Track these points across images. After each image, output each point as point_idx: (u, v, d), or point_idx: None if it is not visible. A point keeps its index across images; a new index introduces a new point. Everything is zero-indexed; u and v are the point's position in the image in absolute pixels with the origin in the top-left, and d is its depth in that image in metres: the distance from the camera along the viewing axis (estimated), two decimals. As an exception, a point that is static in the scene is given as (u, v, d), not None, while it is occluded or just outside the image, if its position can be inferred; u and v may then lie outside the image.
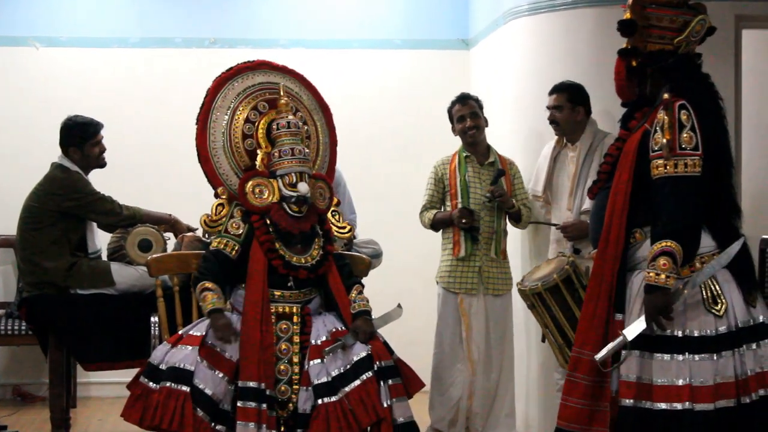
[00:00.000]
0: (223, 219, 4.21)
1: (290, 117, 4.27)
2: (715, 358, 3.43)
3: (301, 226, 4.16)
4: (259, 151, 4.28)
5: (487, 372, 5.23)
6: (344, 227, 4.43)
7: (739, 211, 3.62)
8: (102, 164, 5.26)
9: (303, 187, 4.15)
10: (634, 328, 3.44)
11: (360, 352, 4.02)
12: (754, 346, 3.48)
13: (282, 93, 4.33)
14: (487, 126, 5.36)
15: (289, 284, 4.15)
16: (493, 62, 6.30)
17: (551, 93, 5.10)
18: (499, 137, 5.49)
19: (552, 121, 5.10)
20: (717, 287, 3.48)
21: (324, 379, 3.97)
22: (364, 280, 4.47)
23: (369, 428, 3.96)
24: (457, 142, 5.53)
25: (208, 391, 3.88)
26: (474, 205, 5.20)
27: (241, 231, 4.17)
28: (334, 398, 3.93)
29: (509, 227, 5.35)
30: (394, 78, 7.04)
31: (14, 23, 6.81)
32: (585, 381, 3.54)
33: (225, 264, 4.15)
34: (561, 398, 3.64)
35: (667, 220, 3.41)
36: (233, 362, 3.97)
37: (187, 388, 3.87)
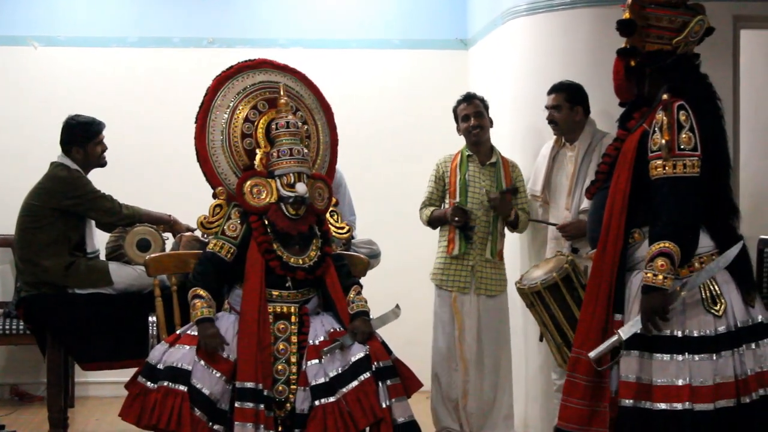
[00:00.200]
0: (220, 220, 4.21)
1: (290, 117, 4.27)
2: (714, 358, 3.43)
3: (298, 227, 4.16)
4: (258, 151, 4.27)
5: (481, 372, 5.24)
6: (342, 227, 4.43)
7: (737, 212, 3.62)
8: (103, 163, 5.28)
9: (301, 188, 4.14)
10: (630, 327, 3.44)
11: (358, 352, 4.02)
12: (753, 345, 3.48)
13: (282, 92, 4.32)
14: (491, 126, 5.36)
15: (287, 284, 4.15)
16: (492, 62, 6.30)
17: (550, 93, 5.10)
18: (498, 137, 5.49)
19: (550, 120, 5.10)
20: (716, 287, 3.48)
21: (322, 380, 3.97)
22: (362, 281, 4.47)
23: (368, 429, 3.95)
24: (456, 142, 5.54)
25: (206, 391, 3.88)
26: (472, 204, 5.20)
27: (237, 233, 4.17)
28: (331, 399, 3.93)
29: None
30: (393, 78, 7.04)
31: (13, 23, 6.81)
32: (584, 381, 3.54)
33: (220, 267, 4.15)
34: (561, 398, 3.64)
35: (666, 220, 3.42)
36: (231, 362, 3.97)
37: (185, 388, 3.87)
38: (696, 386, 3.39)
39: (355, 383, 3.95)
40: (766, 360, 3.47)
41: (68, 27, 6.86)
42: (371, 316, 4.23)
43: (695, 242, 3.46)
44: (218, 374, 3.92)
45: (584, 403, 3.53)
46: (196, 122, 4.29)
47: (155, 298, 4.41)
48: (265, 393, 3.93)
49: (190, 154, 4.33)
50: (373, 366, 4.00)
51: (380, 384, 3.99)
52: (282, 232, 4.14)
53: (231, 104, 4.30)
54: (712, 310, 3.46)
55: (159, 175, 6.67)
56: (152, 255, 4.55)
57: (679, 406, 3.39)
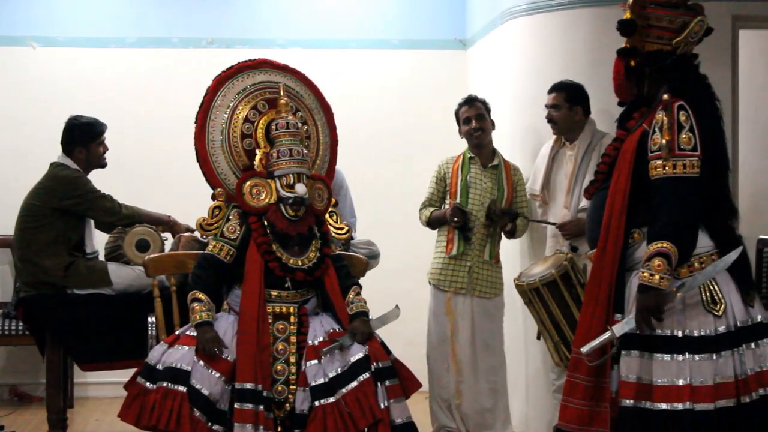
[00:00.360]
0: (220, 222, 4.20)
1: (290, 117, 4.26)
2: (714, 358, 3.43)
3: (298, 228, 4.16)
4: (257, 151, 4.27)
5: (475, 374, 5.24)
6: (342, 228, 4.43)
7: (736, 212, 3.63)
8: (103, 164, 5.29)
9: (300, 189, 4.14)
10: (623, 325, 3.45)
11: (357, 353, 4.01)
12: (753, 345, 3.48)
13: (282, 93, 4.32)
14: (493, 129, 5.36)
15: (286, 285, 4.15)
16: (491, 62, 6.30)
17: (550, 92, 5.11)
18: (497, 137, 5.49)
19: (549, 119, 5.11)
20: (716, 287, 3.48)
21: (321, 380, 3.97)
22: (362, 281, 4.47)
23: (366, 429, 3.95)
24: (455, 143, 5.54)
25: (205, 392, 3.88)
26: (472, 205, 5.21)
27: (236, 235, 4.16)
28: (331, 399, 3.93)
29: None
30: (392, 78, 7.04)
31: (12, 23, 6.81)
32: (585, 381, 3.54)
33: (219, 269, 4.15)
34: (561, 399, 3.64)
35: (666, 220, 3.42)
36: (230, 362, 3.97)
37: (184, 388, 3.87)
38: (696, 386, 3.40)
39: (354, 384, 3.94)
40: (765, 360, 3.48)
41: (67, 27, 6.86)
42: (371, 317, 4.22)
43: (694, 242, 3.46)
44: (217, 375, 3.92)
45: (585, 404, 3.53)
46: (195, 122, 4.28)
47: (154, 298, 4.41)
48: (265, 394, 3.93)
49: (190, 155, 4.33)
50: (373, 366, 3.99)
51: (379, 385, 3.98)
52: (281, 233, 4.14)
53: (231, 104, 4.29)
54: (713, 310, 3.46)
55: (158, 176, 6.67)
56: (151, 255, 4.55)
57: (679, 406, 3.39)
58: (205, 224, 4.22)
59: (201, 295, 4.07)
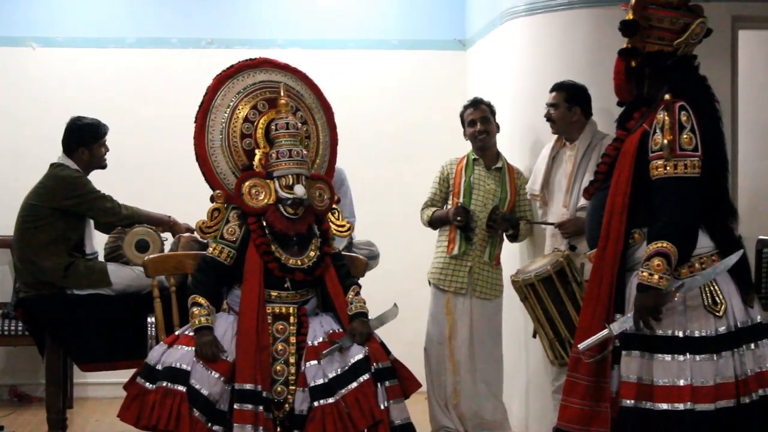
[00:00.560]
0: (219, 224, 4.20)
1: (289, 118, 4.25)
2: (715, 358, 3.43)
3: (297, 228, 4.15)
4: (257, 151, 4.26)
5: (473, 375, 5.24)
6: (343, 225, 4.41)
7: (735, 213, 3.63)
8: (103, 165, 5.29)
9: (299, 190, 4.13)
10: (621, 323, 3.45)
11: (357, 353, 4.01)
12: (752, 346, 3.48)
13: (282, 93, 4.31)
14: (498, 131, 5.37)
15: (285, 285, 4.14)
16: (490, 63, 6.30)
17: (551, 90, 5.11)
18: (497, 137, 5.49)
19: (548, 118, 5.11)
20: (717, 288, 3.48)
21: (321, 381, 3.97)
22: (362, 281, 4.47)
23: (366, 430, 3.95)
24: (455, 143, 5.54)
25: (204, 392, 3.88)
26: (475, 206, 5.21)
27: (236, 236, 4.16)
28: (330, 400, 3.92)
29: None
30: (391, 78, 7.05)
31: (11, 23, 6.81)
32: (585, 381, 3.54)
33: (220, 272, 4.15)
34: (561, 399, 3.64)
35: (667, 220, 3.41)
36: (230, 363, 3.97)
37: (184, 388, 3.87)
38: (697, 386, 3.39)
39: (354, 384, 3.94)
40: (765, 360, 3.47)
41: (67, 28, 6.86)
42: (370, 317, 4.22)
43: (693, 243, 3.46)
44: (217, 375, 3.92)
45: (584, 403, 3.53)
46: (195, 122, 4.28)
47: (154, 298, 4.41)
48: (264, 394, 3.93)
49: (190, 155, 4.32)
50: (372, 367, 3.99)
51: (379, 385, 3.98)
52: (280, 233, 4.13)
53: (231, 104, 4.29)
54: (713, 311, 3.46)
55: (158, 176, 6.68)
56: (151, 256, 4.55)
57: (680, 406, 3.38)
58: (205, 227, 4.21)
59: (201, 300, 4.06)
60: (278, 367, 4.04)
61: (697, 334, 3.45)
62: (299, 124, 4.27)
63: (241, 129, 4.28)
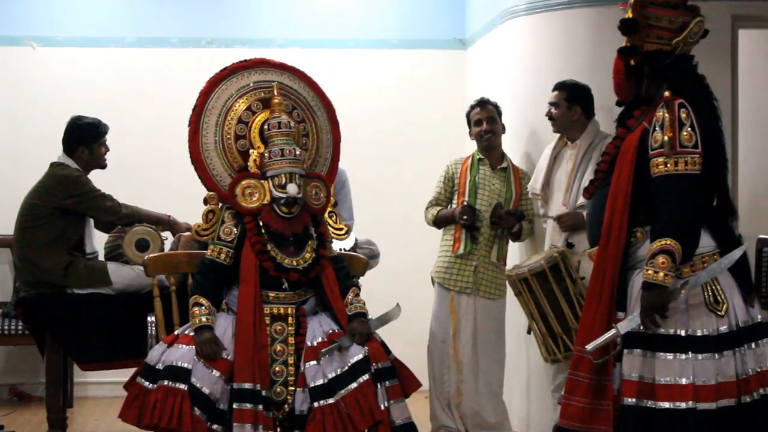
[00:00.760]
0: (215, 226, 4.20)
1: (283, 117, 4.24)
2: (716, 357, 3.43)
3: (293, 228, 4.15)
4: (251, 152, 4.26)
5: (476, 374, 5.24)
6: (341, 228, 4.40)
7: (735, 212, 3.63)
8: (103, 165, 5.30)
9: (292, 189, 4.13)
10: (628, 322, 3.45)
11: (357, 354, 4.00)
12: (753, 345, 3.48)
13: (276, 92, 4.31)
14: (504, 132, 5.37)
15: (283, 286, 4.14)
16: (490, 62, 6.30)
17: (553, 89, 5.12)
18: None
19: (549, 116, 5.12)
20: (718, 287, 3.48)
21: (320, 381, 3.96)
22: (362, 281, 4.46)
23: (367, 430, 3.94)
24: (455, 142, 5.55)
25: (206, 390, 3.88)
26: (480, 206, 5.22)
27: (233, 236, 4.16)
28: (330, 400, 3.92)
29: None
30: (391, 78, 7.04)
31: (11, 23, 6.81)
32: (586, 379, 3.54)
33: (220, 272, 4.15)
34: (563, 397, 3.64)
35: (668, 218, 3.41)
36: (230, 362, 3.96)
37: (185, 386, 3.87)
38: (699, 385, 3.39)
39: (354, 385, 3.94)
40: (766, 359, 3.48)
41: (66, 27, 6.86)
42: (371, 317, 4.21)
43: (696, 240, 3.46)
44: (217, 374, 3.91)
45: (586, 401, 3.52)
46: (188, 125, 4.27)
47: (154, 298, 4.41)
48: (264, 393, 3.93)
49: (188, 155, 4.32)
50: (372, 367, 3.99)
51: (379, 385, 3.98)
52: (276, 232, 4.13)
53: (224, 106, 4.28)
54: (715, 310, 3.46)
55: (158, 175, 6.67)
56: (151, 255, 4.55)
57: (683, 405, 3.38)
58: (201, 229, 4.22)
59: (202, 300, 4.07)
60: (277, 368, 4.04)
61: (699, 333, 3.45)
62: (293, 123, 4.26)
63: (235, 130, 4.28)
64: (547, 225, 5.18)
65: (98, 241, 5.30)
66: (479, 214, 5.19)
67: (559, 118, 5.07)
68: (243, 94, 4.32)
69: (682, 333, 3.45)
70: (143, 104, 6.80)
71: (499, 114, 5.38)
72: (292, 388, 4.01)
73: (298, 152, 4.20)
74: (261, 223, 4.14)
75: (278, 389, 4.01)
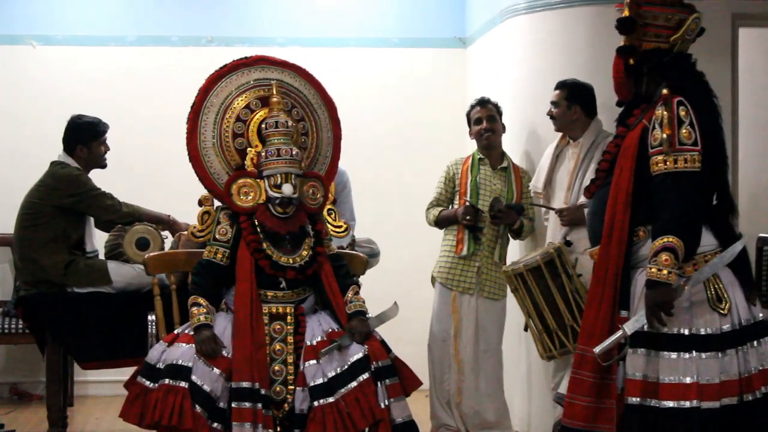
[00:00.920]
0: (210, 226, 4.20)
1: (280, 116, 4.23)
2: (720, 356, 3.43)
3: (288, 227, 4.14)
4: (249, 151, 4.26)
5: (476, 374, 5.24)
6: (340, 226, 4.39)
7: (735, 210, 3.63)
8: (103, 165, 5.30)
9: (287, 189, 4.12)
10: (634, 322, 3.44)
11: (356, 352, 3.99)
12: (755, 344, 3.48)
13: (274, 91, 4.30)
14: (504, 132, 5.37)
15: (281, 285, 4.14)
16: (490, 61, 6.30)
17: (555, 88, 5.12)
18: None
19: (550, 116, 5.12)
20: (721, 285, 3.49)
21: (320, 380, 3.95)
22: (362, 280, 4.46)
23: (367, 429, 3.94)
24: (455, 141, 5.54)
25: (207, 388, 3.87)
26: (482, 206, 5.21)
27: (228, 236, 4.16)
28: (330, 399, 3.91)
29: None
30: (391, 77, 7.04)
31: (11, 22, 6.81)
32: (590, 379, 3.54)
33: (217, 272, 4.14)
34: (566, 396, 3.64)
35: (669, 216, 3.41)
36: (230, 360, 3.95)
37: (186, 384, 3.86)
38: (703, 384, 3.40)
39: (354, 384, 3.93)
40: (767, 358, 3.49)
41: (67, 26, 6.86)
42: (369, 315, 4.21)
43: (698, 237, 3.46)
44: (218, 372, 3.91)
45: (590, 400, 3.52)
46: (187, 123, 4.27)
47: (154, 296, 4.41)
48: (263, 392, 3.92)
49: (188, 153, 4.32)
50: (372, 366, 3.98)
51: (379, 384, 3.97)
52: (272, 231, 4.13)
53: (223, 104, 4.28)
54: (718, 309, 3.46)
55: (158, 174, 6.67)
56: (151, 254, 4.55)
57: (687, 404, 3.38)
58: (197, 231, 4.22)
59: (201, 300, 4.06)
60: (276, 367, 4.03)
61: (702, 331, 3.45)
62: (290, 122, 4.24)
63: (233, 128, 4.28)
64: (549, 223, 5.19)
65: (98, 240, 5.30)
66: (482, 214, 5.18)
67: (560, 117, 5.08)
68: (242, 91, 4.30)
69: (686, 332, 3.45)
70: (143, 103, 6.80)
71: (500, 113, 5.37)
72: (292, 387, 4.00)
73: (294, 152, 4.18)
74: (256, 222, 4.13)
75: (278, 388, 4.01)
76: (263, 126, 4.22)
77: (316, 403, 3.92)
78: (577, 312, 4.40)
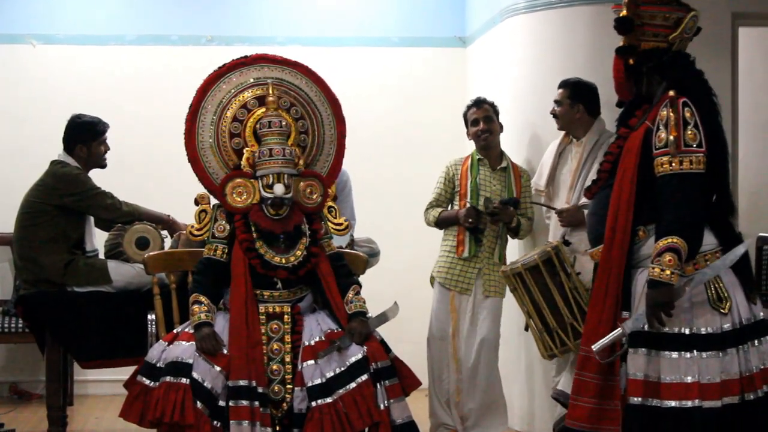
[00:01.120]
0: (208, 225, 4.20)
1: (274, 116, 4.22)
2: (721, 355, 3.43)
3: (283, 227, 4.13)
4: (245, 150, 4.25)
5: (475, 373, 5.24)
6: (341, 224, 4.38)
7: (735, 210, 3.63)
8: (103, 165, 5.30)
9: (279, 189, 4.10)
10: (634, 321, 3.44)
11: (356, 353, 3.98)
12: (756, 342, 3.48)
13: (271, 90, 4.29)
14: (501, 131, 5.36)
15: (277, 285, 4.14)
16: (490, 60, 6.30)
17: (558, 87, 5.12)
18: (499, 136, 5.50)
19: (554, 115, 5.12)
20: (721, 285, 3.49)
21: (318, 381, 3.95)
22: (362, 280, 4.45)
23: (367, 430, 3.94)
24: (455, 140, 5.54)
25: (207, 385, 3.86)
26: (483, 208, 5.21)
27: (226, 232, 4.16)
28: (328, 400, 3.91)
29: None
30: (391, 76, 7.04)
31: (11, 21, 6.81)
32: (594, 380, 3.54)
33: (218, 270, 4.14)
34: (570, 397, 3.64)
35: (674, 217, 3.41)
36: (230, 357, 3.96)
37: (187, 380, 3.85)
38: (704, 383, 3.40)
39: (353, 385, 3.92)
40: (768, 356, 3.49)
41: (67, 25, 6.86)
42: (369, 315, 4.20)
43: (700, 239, 3.46)
44: (218, 369, 3.90)
45: (594, 402, 3.52)
46: (185, 123, 4.27)
47: (154, 296, 4.41)
48: (260, 390, 3.92)
49: (188, 153, 4.32)
50: (372, 367, 3.98)
51: (378, 385, 3.97)
52: (266, 230, 4.12)
53: (220, 104, 4.28)
54: (719, 308, 3.46)
55: (158, 173, 6.67)
56: (151, 253, 4.55)
57: (689, 403, 3.38)
58: (195, 230, 4.22)
59: (201, 298, 4.06)
60: (274, 367, 4.03)
61: (703, 331, 3.45)
62: (285, 122, 4.23)
63: (230, 128, 4.28)
64: (551, 221, 5.19)
65: (98, 239, 5.30)
66: (483, 217, 5.18)
67: (563, 115, 5.07)
68: (240, 91, 4.31)
69: (687, 331, 3.45)
70: (143, 102, 6.80)
71: (496, 113, 5.36)
72: (290, 386, 4.00)
73: (287, 151, 4.17)
74: (251, 221, 4.13)
75: (276, 388, 4.01)
76: (258, 126, 4.22)
77: (314, 404, 3.91)
78: (576, 310, 4.40)
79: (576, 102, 5.05)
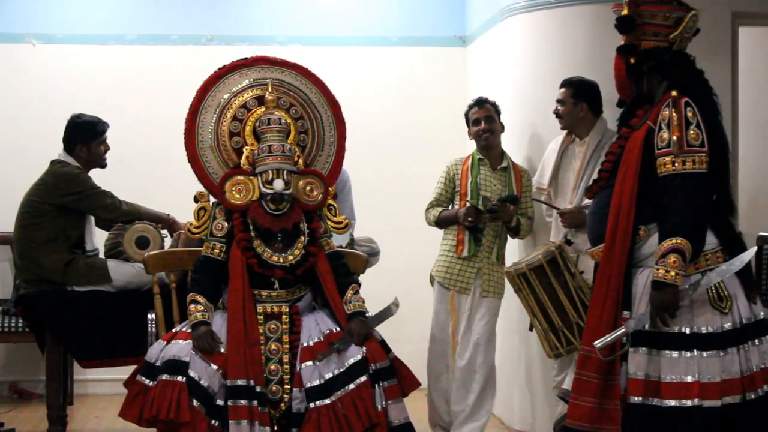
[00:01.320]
0: (207, 223, 4.20)
1: (274, 114, 4.23)
2: (721, 354, 3.44)
3: (282, 224, 4.13)
4: (244, 149, 4.26)
5: (471, 372, 5.23)
6: (340, 222, 4.37)
7: (735, 209, 3.63)
8: (103, 164, 5.29)
9: (278, 185, 4.11)
10: (637, 321, 3.45)
11: (355, 354, 3.98)
12: (757, 342, 3.49)
13: (270, 89, 4.29)
14: (502, 131, 5.36)
15: (274, 285, 4.14)
16: (491, 59, 6.30)
17: (560, 86, 5.12)
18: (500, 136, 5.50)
19: (556, 114, 5.12)
20: (722, 284, 3.49)
21: (317, 382, 3.95)
22: (362, 280, 4.45)
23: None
24: (455, 140, 5.54)
25: (204, 383, 3.86)
26: (483, 207, 5.20)
27: (224, 231, 4.16)
28: (327, 401, 3.90)
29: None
30: (391, 75, 7.04)
31: (11, 20, 6.80)
32: (594, 379, 3.54)
33: (215, 268, 4.14)
34: (570, 397, 3.64)
35: (678, 217, 3.41)
36: (227, 356, 3.96)
37: (183, 378, 3.85)
38: (705, 383, 3.40)
39: (351, 386, 3.91)
40: (769, 356, 3.50)
41: (66, 24, 6.85)
42: (369, 314, 4.20)
43: (704, 239, 3.47)
44: (215, 367, 3.90)
45: (594, 401, 3.52)
46: (185, 123, 4.28)
47: (154, 295, 4.41)
48: (258, 389, 3.92)
49: (189, 152, 4.32)
50: (371, 368, 3.97)
51: (377, 386, 3.96)
52: (263, 228, 4.12)
53: (220, 104, 4.28)
54: (719, 307, 3.47)
55: (158, 173, 6.66)
56: (151, 252, 4.55)
57: (688, 402, 3.39)
58: (193, 228, 4.22)
59: (199, 297, 4.06)
60: (272, 367, 4.02)
61: (703, 330, 3.45)
62: (283, 120, 4.23)
63: (230, 128, 4.28)
64: (553, 219, 5.18)
65: (98, 238, 5.30)
66: (483, 216, 5.17)
67: (566, 115, 5.06)
68: (240, 91, 4.32)
69: (687, 331, 3.45)
70: (143, 102, 6.80)
71: (498, 113, 5.35)
72: (288, 386, 4.00)
73: (287, 148, 4.18)
74: (249, 220, 4.13)
75: (274, 388, 4.00)
76: (257, 124, 4.23)
77: (312, 405, 3.91)
78: (581, 309, 4.40)
79: (579, 101, 5.04)
